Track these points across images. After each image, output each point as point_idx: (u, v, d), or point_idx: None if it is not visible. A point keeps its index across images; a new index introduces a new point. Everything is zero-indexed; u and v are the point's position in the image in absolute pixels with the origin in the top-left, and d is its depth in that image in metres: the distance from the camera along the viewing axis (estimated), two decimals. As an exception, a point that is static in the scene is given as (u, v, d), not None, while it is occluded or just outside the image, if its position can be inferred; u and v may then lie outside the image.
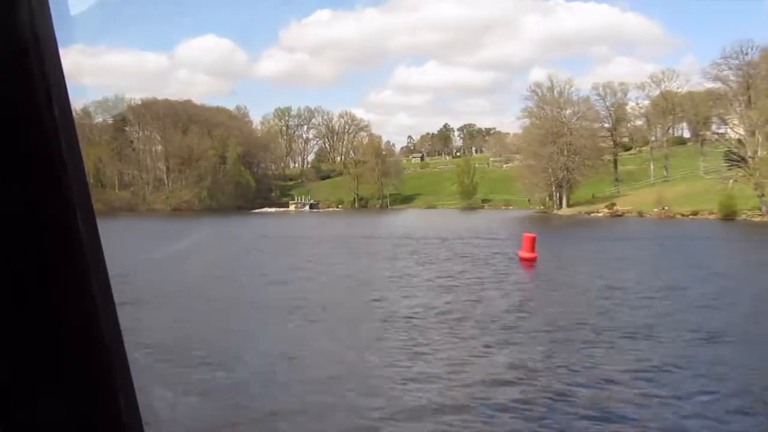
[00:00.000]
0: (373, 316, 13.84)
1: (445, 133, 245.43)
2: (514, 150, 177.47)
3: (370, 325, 12.91)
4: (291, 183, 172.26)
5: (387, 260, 26.20)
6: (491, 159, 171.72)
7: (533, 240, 25.78)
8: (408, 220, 75.97)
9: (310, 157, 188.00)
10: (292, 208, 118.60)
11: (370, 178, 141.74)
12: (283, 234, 45.68)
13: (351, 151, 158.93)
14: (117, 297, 1.02)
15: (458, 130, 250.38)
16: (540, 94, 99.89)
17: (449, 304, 15.02)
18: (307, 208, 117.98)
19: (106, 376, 1.02)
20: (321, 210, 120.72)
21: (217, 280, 17.08)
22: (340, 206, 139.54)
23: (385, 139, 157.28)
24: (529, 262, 25.21)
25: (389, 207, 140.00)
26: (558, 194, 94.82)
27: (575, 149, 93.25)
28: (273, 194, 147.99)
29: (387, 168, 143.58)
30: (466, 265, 25.34)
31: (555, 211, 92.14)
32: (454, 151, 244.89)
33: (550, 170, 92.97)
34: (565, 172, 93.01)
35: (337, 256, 26.90)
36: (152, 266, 23.91)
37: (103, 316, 1.03)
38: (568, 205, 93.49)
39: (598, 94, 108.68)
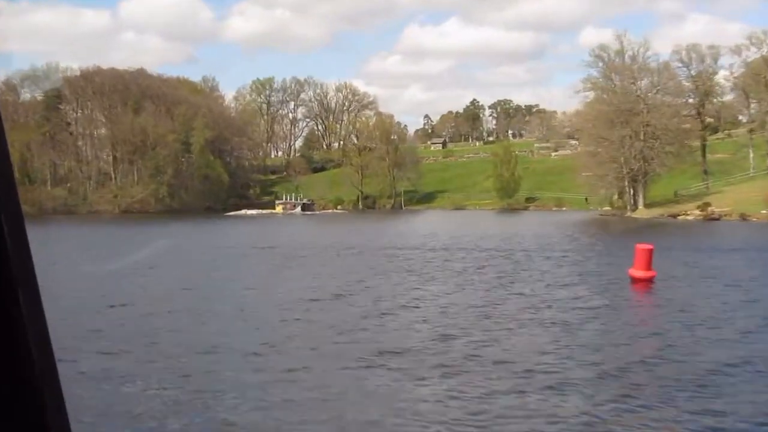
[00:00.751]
0: (489, 371, 12.08)
1: (472, 112, 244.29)
2: (568, 133, 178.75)
3: (501, 385, 11.18)
4: (274, 177, 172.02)
5: (440, 281, 24.69)
6: (536, 146, 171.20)
7: (650, 253, 24.12)
8: (435, 224, 74.52)
9: (299, 143, 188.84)
10: (279, 209, 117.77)
11: (378, 170, 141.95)
12: (273, 246, 44.26)
13: (352, 135, 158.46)
14: None
15: (490, 108, 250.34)
16: (606, 59, 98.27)
17: (594, 365, 13.18)
18: (298, 209, 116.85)
19: (35, 399, 1.15)
20: (317, 212, 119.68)
21: (172, 336, 15.14)
22: (339, 207, 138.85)
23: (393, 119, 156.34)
24: (646, 283, 23.60)
25: (403, 208, 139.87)
26: (632, 191, 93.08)
27: (654, 132, 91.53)
28: (251, 191, 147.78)
29: (400, 157, 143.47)
30: (563, 288, 23.68)
31: (629, 213, 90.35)
32: (485, 134, 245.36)
33: (622, 159, 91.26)
34: (642, 162, 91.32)
35: (367, 278, 25.44)
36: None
37: (31, 331, 1.12)
38: (645, 205, 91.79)
39: (681, 61, 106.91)
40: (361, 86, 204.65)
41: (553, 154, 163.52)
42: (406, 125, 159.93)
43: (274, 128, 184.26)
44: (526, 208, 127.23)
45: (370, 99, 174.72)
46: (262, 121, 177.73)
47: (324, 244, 44.38)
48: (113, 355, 13.38)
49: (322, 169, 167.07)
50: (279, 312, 18.35)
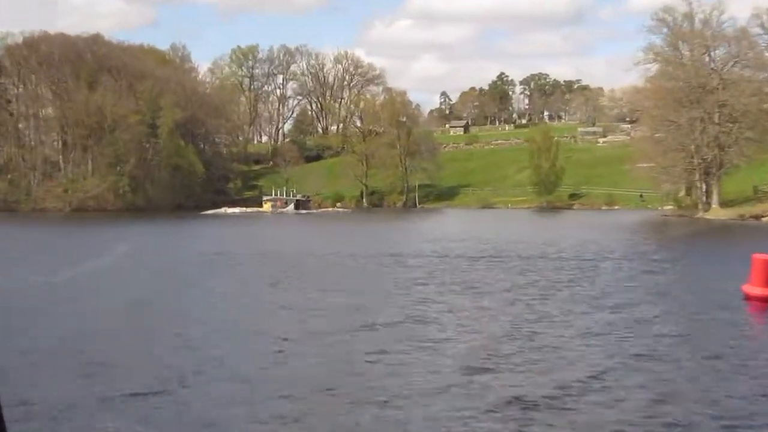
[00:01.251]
0: None
1: (500, 89, 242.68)
2: (619, 114, 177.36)
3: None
4: (258, 168, 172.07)
5: (523, 303, 23.25)
6: (580, 130, 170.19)
7: (771, 265, 22.52)
8: (461, 226, 73.00)
9: (289, 127, 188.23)
10: (266, 207, 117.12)
11: (386, 159, 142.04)
12: (261, 253, 42.92)
13: (355, 117, 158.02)
14: None
15: (521, 83, 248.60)
16: (672, 24, 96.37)
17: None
18: (290, 207, 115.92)
19: None
20: (313, 211, 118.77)
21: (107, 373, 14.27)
22: (339, 204, 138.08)
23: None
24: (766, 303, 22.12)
25: (418, 206, 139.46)
26: (704, 186, 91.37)
27: (731, 113, 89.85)
28: (231, 185, 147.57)
29: (414, 144, 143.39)
30: (665, 308, 22.07)
31: (700, 214, 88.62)
32: (516, 116, 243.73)
33: (693, 147, 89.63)
34: (716, 151, 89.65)
35: (431, 297, 24.08)
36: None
37: None
38: (720, 204, 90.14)
39: (762, 26, 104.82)
40: (362, 57, 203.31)
41: (600, 140, 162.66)
42: (418, 104, 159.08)
43: (258, 108, 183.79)
44: (569, 207, 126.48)
45: (376, 72, 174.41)
46: (244, 99, 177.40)
47: (326, 252, 42.89)
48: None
49: (318, 158, 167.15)
50: (263, 350, 16.69)
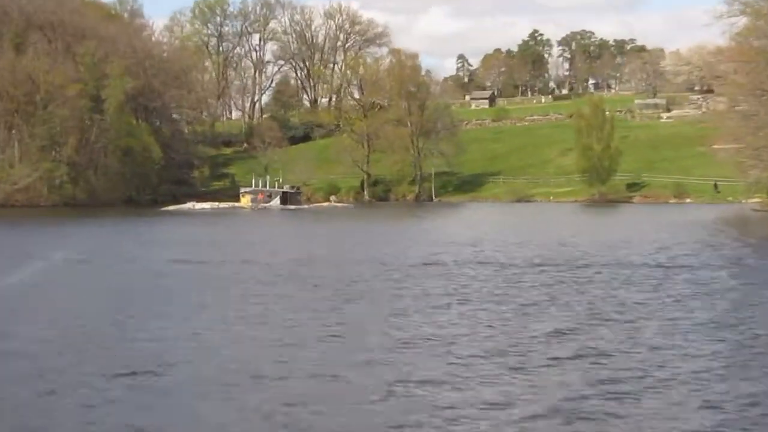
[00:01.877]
0: None
1: (532, 50, 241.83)
2: (688, 82, 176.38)
3: None
4: (230, 151, 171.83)
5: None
6: (638, 102, 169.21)
7: None
8: (506, 226, 72.04)
9: (268, 99, 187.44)
10: (245, 201, 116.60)
11: (394, 140, 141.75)
12: (243, 261, 41.88)
13: (352, 86, 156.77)
14: None
15: (559, 44, 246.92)
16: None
17: None
18: (275, 201, 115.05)
19: None
20: (304, 206, 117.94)
21: None
22: (334, 198, 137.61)
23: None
24: None
25: (434, 199, 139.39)
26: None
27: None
28: (196, 173, 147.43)
29: (429, 120, 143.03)
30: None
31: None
32: (554, 86, 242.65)
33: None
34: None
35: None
36: None
37: None
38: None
39: None
40: (357, 9, 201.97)
41: (664, 115, 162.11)
42: (429, 70, 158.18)
43: (229, 76, 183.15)
44: (628, 200, 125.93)
45: (378, 29, 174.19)
46: (210, 65, 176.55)
47: (339, 259, 41.81)
48: None
49: (305, 138, 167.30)
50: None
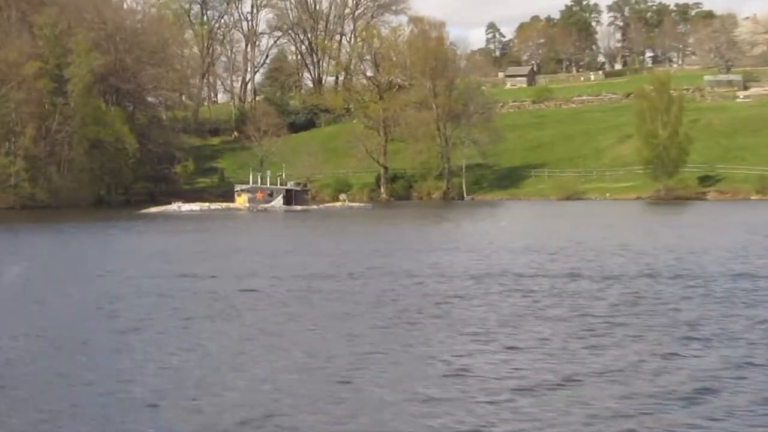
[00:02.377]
0: None
1: (577, 18, 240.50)
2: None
3: None
4: (217, 141, 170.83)
5: None
6: (708, 79, 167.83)
7: None
8: (567, 230, 71.16)
9: (260, 78, 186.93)
10: (241, 201, 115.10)
11: (417, 127, 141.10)
12: (248, 289, 40.72)
13: (364, 62, 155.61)
14: None
15: (610, 9, 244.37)
16: None
17: None
18: (277, 201, 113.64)
19: None
20: (312, 206, 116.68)
21: None
22: (344, 196, 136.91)
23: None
24: None
25: (466, 197, 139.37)
26: None
27: None
28: (179, 168, 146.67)
29: (458, 102, 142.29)
30: None
31: None
32: (605, 60, 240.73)
33: None
34: None
35: None
36: None
37: None
38: None
39: None
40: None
41: (741, 94, 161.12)
42: (452, 43, 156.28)
43: (215, 51, 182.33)
44: (701, 197, 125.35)
45: None
46: (193, 36, 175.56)
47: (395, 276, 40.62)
48: None
49: (308, 125, 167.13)
50: None
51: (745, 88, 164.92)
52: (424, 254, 51.06)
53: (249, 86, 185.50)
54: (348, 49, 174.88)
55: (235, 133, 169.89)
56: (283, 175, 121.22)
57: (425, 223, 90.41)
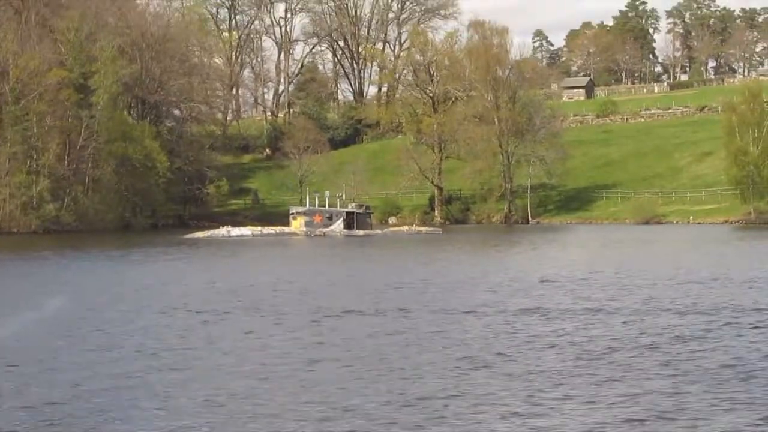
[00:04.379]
0: None
1: (633, 24, 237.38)
2: None
3: None
4: (249, 160, 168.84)
5: None
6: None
7: None
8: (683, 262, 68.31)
9: (292, 90, 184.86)
10: (297, 225, 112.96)
11: (477, 143, 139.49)
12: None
13: (418, 73, 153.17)
14: None
15: (668, 15, 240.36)
16: None
17: None
18: (337, 225, 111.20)
19: None
20: (376, 232, 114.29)
21: None
22: (394, 220, 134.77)
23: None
24: None
25: (531, 220, 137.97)
26: None
27: None
28: (211, 189, 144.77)
29: (521, 117, 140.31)
30: None
31: None
32: (659, 69, 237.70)
33: None
34: None
35: None
36: None
37: None
38: None
39: None
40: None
41: None
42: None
43: (243, 61, 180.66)
44: None
45: None
46: (221, 45, 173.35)
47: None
48: None
49: (348, 142, 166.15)
50: None
51: None
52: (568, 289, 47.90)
53: (281, 99, 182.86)
54: (392, 58, 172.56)
55: (268, 150, 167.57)
56: (342, 196, 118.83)
57: (518, 250, 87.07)
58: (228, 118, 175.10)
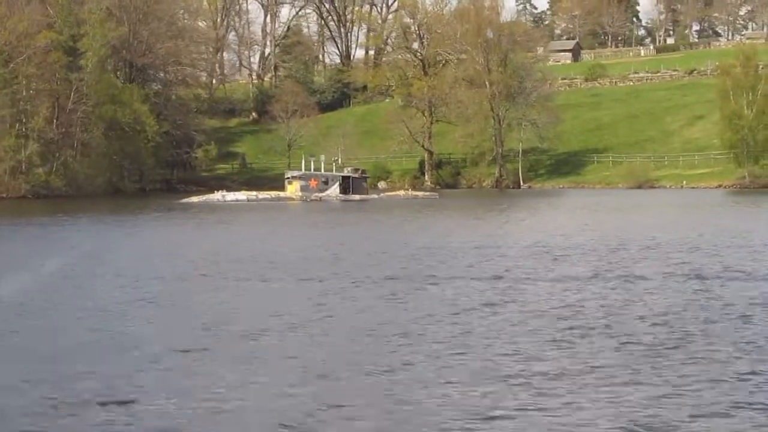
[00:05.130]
0: None
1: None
2: None
3: None
4: (235, 124, 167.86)
5: None
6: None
7: None
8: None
9: (277, 53, 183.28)
10: (293, 189, 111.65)
11: (468, 107, 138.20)
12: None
13: (408, 33, 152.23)
14: None
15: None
16: None
17: None
18: (332, 190, 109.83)
19: None
20: (372, 195, 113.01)
21: None
22: (387, 184, 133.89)
23: None
24: None
25: (523, 184, 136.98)
26: None
27: None
28: (200, 153, 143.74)
29: (512, 79, 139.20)
30: None
31: None
32: (644, 35, 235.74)
33: None
34: None
35: None
36: None
37: None
38: None
39: None
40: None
41: None
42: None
43: (229, 24, 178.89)
44: None
45: None
46: (206, 5, 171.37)
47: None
48: None
49: (336, 105, 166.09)
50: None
51: None
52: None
53: (267, 61, 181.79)
54: (381, 20, 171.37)
55: (254, 114, 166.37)
56: (339, 159, 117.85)
57: (518, 211, 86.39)
58: (213, 82, 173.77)
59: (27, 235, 66.00)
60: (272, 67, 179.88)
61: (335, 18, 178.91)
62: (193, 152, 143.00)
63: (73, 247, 53.64)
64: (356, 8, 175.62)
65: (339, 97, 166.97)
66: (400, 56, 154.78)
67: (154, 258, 47.29)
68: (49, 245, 55.87)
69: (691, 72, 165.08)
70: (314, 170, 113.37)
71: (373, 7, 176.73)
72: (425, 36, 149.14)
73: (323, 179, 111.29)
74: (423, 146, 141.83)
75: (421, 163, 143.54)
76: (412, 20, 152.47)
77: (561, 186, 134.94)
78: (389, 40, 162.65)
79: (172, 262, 44.63)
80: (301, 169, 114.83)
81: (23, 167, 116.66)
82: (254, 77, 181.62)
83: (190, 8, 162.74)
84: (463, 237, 57.03)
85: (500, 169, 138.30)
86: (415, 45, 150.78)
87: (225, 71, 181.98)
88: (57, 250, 51.08)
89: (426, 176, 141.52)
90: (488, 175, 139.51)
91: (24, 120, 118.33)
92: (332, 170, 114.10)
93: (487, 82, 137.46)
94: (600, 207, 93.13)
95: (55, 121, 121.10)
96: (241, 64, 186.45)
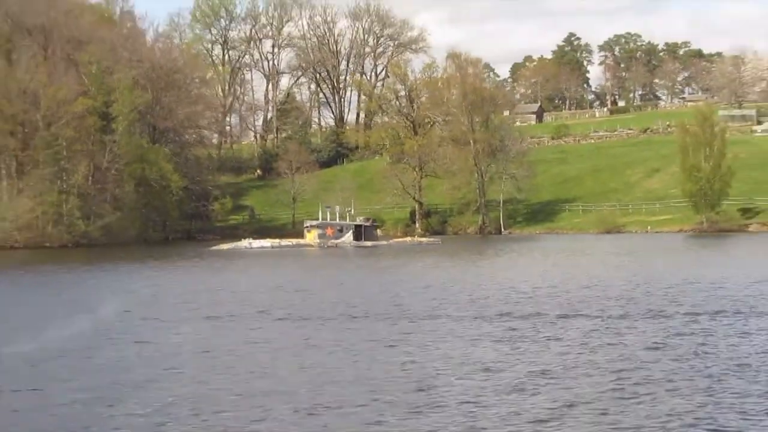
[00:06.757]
0: None
1: (569, 57, 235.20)
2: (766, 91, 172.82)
3: None
4: (243, 180, 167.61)
5: None
6: (722, 114, 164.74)
7: None
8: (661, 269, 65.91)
9: (276, 119, 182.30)
10: (311, 237, 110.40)
11: (455, 162, 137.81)
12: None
13: (398, 100, 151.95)
14: None
15: (601, 49, 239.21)
16: None
17: None
18: (347, 237, 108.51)
19: None
20: (382, 243, 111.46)
21: None
22: (382, 232, 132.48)
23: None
24: None
25: (504, 231, 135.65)
26: None
27: None
28: (217, 206, 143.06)
29: (495, 138, 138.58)
30: None
31: None
32: (593, 96, 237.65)
33: None
34: None
35: None
36: None
37: None
38: None
39: None
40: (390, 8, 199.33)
41: (758, 128, 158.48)
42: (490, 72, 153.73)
43: (236, 90, 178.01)
44: (743, 228, 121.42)
45: (413, 32, 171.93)
46: (216, 76, 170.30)
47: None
48: None
49: (331, 163, 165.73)
50: None
51: (758, 122, 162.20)
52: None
53: (271, 123, 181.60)
54: (370, 87, 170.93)
55: (259, 171, 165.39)
56: (352, 210, 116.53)
57: (512, 257, 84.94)
58: (223, 143, 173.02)
59: (104, 279, 65.12)
60: (274, 129, 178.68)
61: (330, 85, 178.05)
62: (210, 205, 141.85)
63: (156, 285, 53.05)
64: (354, 77, 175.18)
65: (334, 155, 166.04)
66: (392, 118, 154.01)
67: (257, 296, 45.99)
68: (150, 287, 54.54)
69: (645, 130, 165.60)
70: (330, 219, 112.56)
71: (363, 75, 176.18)
72: (416, 100, 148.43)
73: (338, 228, 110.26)
74: (414, 198, 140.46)
75: (412, 213, 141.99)
76: (402, 86, 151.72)
77: (537, 232, 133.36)
78: (382, 105, 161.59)
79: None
80: (318, 219, 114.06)
81: (65, 219, 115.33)
82: (258, 138, 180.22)
83: (204, 78, 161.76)
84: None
85: (483, 217, 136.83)
86: (405, 108, 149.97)
87: (233, 133, 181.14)
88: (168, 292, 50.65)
89: (417, 224, 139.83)
90: (472, 222, 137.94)
91: (64, 177, 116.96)
92: (346, 219, 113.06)
93: (471, 141, 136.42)
94: (588, 250, 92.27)
95: (91, 177, 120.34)
96: (246, 126, 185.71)
